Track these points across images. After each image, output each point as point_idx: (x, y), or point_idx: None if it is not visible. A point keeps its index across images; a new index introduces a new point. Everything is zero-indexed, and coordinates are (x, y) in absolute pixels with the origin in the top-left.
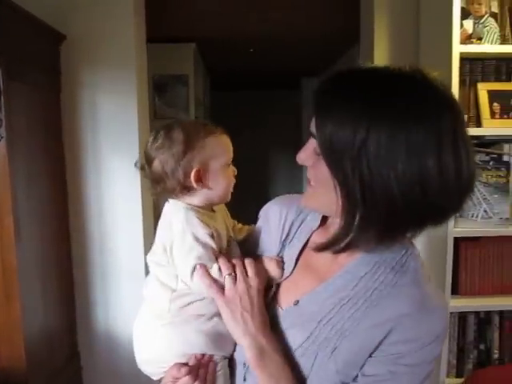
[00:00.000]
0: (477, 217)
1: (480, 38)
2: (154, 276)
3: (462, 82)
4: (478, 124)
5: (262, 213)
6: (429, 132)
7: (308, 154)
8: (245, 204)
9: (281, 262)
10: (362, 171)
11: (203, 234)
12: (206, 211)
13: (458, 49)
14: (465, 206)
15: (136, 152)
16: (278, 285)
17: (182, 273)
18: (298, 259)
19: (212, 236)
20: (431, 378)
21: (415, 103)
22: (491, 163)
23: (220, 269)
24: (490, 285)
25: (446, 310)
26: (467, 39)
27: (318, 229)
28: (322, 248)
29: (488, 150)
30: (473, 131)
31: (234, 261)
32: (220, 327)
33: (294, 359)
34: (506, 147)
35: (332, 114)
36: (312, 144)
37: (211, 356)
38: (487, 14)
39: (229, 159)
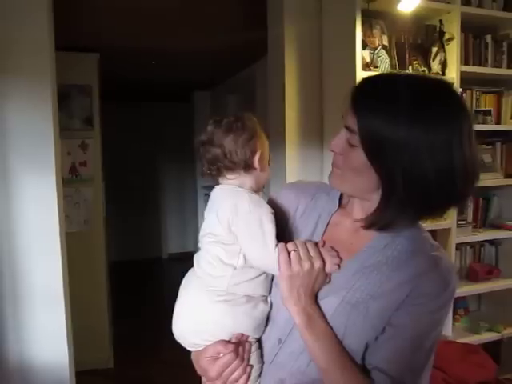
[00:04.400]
0: None
1: (376, 66)
2: (212, 255)
3: None
4: None
5: (274, 196)
6: (455, 131)
7: (341, 144)
8: (139, 209)
9: (337, 258)
10: (403, 163)
11: (268, 212)
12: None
13: (360, 75)
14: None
15: (52, 165)
16: None
17: (250, 249)
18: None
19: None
20: (442, 326)
21: (446, 107)
22: None
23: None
24: None
25: (454, 268)
26: (366, 66)
27: (337, 211)
28: (368, 226)
29: None
30: None
31: (296, 241)
32: (264, 315)
33: (330, 323)
34: None
35: (376, 113)
36: (345, 135)
37: (248, 336)
38: (380, 46)
39: None
